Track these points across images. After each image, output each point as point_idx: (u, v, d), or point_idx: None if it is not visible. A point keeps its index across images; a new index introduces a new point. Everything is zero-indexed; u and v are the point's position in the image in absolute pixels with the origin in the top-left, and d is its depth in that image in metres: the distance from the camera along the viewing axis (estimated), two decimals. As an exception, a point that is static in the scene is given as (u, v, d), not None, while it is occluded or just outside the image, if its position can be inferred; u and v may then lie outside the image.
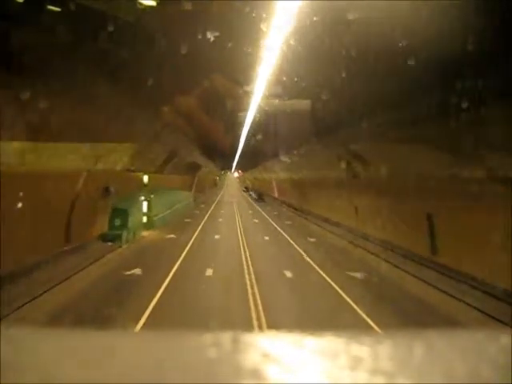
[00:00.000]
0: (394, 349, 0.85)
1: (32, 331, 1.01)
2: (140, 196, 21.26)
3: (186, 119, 15.03)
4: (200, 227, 24.20)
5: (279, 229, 24.39)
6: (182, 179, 41.14)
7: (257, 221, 28.28)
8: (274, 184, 50.38)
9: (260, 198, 51.93)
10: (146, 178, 21.60)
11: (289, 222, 27.87)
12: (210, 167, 62.06)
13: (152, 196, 22.82)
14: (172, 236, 20.60)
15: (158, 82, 9.61)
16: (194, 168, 44.24)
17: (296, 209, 35.20)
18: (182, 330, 0.95)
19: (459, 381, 0.70)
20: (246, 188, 78.22)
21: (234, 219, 29.48)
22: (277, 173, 42.28)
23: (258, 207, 41.14)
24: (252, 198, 57.59)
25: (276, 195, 49.84)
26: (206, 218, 29.53)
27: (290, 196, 39.81)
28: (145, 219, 22.60)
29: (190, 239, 19.59)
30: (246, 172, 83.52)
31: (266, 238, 20.93)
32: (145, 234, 20.96)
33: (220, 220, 28.26)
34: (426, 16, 5.89)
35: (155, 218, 23.07)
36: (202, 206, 41.00)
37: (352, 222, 21.17)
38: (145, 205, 22.69)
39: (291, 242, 19.78)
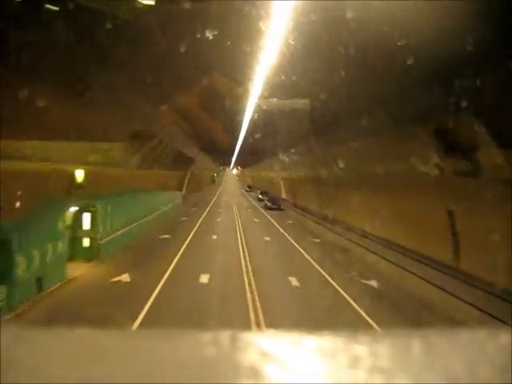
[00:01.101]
0: (392, 348, 0.81)
1: (32, 331, 0.91)
2: (70, 206, 11.70)
3: (182, 114, 14.52)
4: (180, 253, 14.65)
5: (306, 254, 14.94)
6: (167, 176, 31.67)
7: (268, 238, 18.59)
8: (282, 183, 41.02)
9: (274, 203, 33.42)
10: (79, 175, 12.03)
11: (316, 240, 18.39)
12: (207, 162, 53.23)
13: (98, 205, 13.27)
14: (123, 278, 11.07)
15: (154, 72, 9.03)
16: (184, 162, 34.76)
17: (315, 215, 25.72)
18: (180, 329, 0.90)
19: (458, 380, 0.67)
20: (249, 187, 67.30)
21: (235, 233, 19.81)
22: (285, 170, 33.20)
23: (264, 212, 31.44)
24: (258, 201, 40.72)
25: (284, 196, 40.34)
26: (193, 231, 19.95)
27: (306, 198, 30.34)
28: (86, 243, 13.13)
29: (155, 287, 10.14)
30: (245, 169, 75.52)
31: (292, 279, 11.43)
32: (76, 272, 11.43)
33: (214, 237, 18.55)
34: (424, 14, 5.76)
35: (103, 241, 13.51)
36: (194, 209, 31.41)
37: (438, 249, 11.78)
38: (86, 220, 13.17)
39: (339, 289, 10.34)
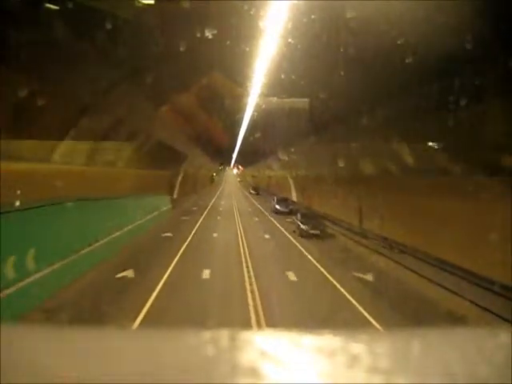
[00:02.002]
0: (392, 347, 0.80)
1: (32, 331, 0.92)
2: None
3: (180, 113, 13.54)
4: (144, 313, 7.75)
5: (365, 313, 8.11)
6: (153, 176, 24.65)
7: (294, 277, 11.43)
8: (292, 183, 34.17)
9: (316, 225, 18.39)
10: None
11: (367, 277, 11.47)
12: (205, 162, 46.57)
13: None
14: None
15: (153, 71, 8.88)
16: (174, 159, 27.78)
17: (349, 229, 18.74)
18: (180, 328, 0.88)
19: (458, 379, 0.65)
20: (254, 189, 59.11)
21: (239, 264, 12.73)
22: (294, 167, 26.85)
23: (274, 221, 24.41)
24: (274, 213, 27.25)
25: (295, 199, 33.44)
26: (176, 259, 13.01)
27: (328, 204, 23.34)
28: None
29: None
30: (246, 168, 69.12)
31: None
32: None
33: (205, 275, 11.44)
34: (423, 13, 5.61)
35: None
36: (184, 218, 24.49)
37: None
38: None
39: None
